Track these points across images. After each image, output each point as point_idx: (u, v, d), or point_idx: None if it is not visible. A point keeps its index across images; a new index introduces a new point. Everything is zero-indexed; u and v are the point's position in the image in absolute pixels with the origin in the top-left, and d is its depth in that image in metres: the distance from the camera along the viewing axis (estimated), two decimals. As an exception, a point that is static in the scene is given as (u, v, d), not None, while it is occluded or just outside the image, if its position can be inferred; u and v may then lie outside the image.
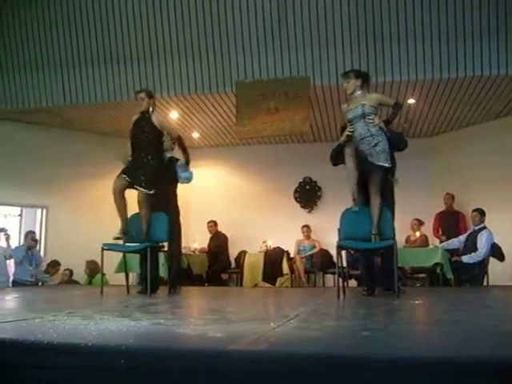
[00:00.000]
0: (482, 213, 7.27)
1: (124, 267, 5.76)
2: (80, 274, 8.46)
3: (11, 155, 8.45)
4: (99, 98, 7.78)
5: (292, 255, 8.98)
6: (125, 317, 3.11)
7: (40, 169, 8.57)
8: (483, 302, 4.81)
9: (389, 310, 3.88)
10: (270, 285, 8.42)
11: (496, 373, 1.71)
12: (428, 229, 8.59)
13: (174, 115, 8.43)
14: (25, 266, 7.86)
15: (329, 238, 8.01)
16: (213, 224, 9.45)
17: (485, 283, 7.02)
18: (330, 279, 8.90)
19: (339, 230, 4.86)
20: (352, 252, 6.35)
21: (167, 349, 2.06)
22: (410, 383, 1.74)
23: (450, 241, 7.63)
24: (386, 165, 4.70)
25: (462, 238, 7.47)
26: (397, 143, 4.97)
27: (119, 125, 8.17)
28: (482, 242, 7.02)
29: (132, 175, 5.13)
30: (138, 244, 5.29)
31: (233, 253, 9.39)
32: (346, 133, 4.83)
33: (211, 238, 9.39)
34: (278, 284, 8.48)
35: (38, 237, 8.42)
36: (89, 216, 8.77)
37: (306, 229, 9.24)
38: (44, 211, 9.00)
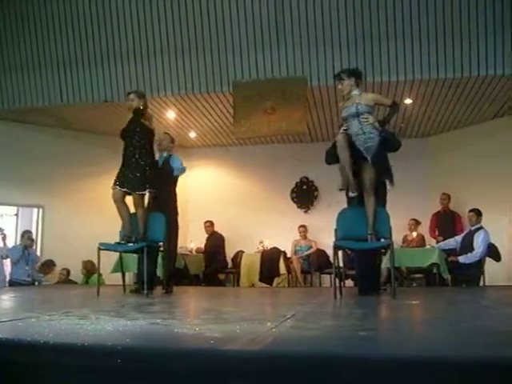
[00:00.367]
0: (478, 213, 7.28)
1: (121, 267, 5.76)
2: (77, 274, 8.44)
3: (7, 155, 8.43)
4: (96, 98, 7.77)
5: (289, 255, 9.00)
6: (121, 316, 3.11)
7: (36, 168, 8.54)
8: (479, 302, 4.82)
9: (386, 310, 3.88)
10: (266, 285, 8.43)
11: (492, 372, 1.72)
12: (425, 229, 8.60)
13: (170, 115, 8.42)
14: (21, 265, 7.84)
15: (325, 238, 8.02)
16: (209, 224, 9.45)
17: (481, 283, 7.03)
18: (326, 279, 8.91)
19: (336, 230, 4.86)
20: (349, 252, 6.36)
21: (164, 349, 2.06)
22: (406, 383, 1.74)
23: (447, 241, 7.64)
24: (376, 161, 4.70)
25: (459, 238, 7.49)
26: (391, 143, 4.97)
27: (116, 124, 8.10)
28: (479, 243, 7.03)
29: (122, 179, 5.16)
30: (133, 244, 5.29)
31: (230, 253, 9.39)
32: (341, 131, 4.84)
33: (208, 238, 9.38)
34: (274, 284, 8.49)
35: (34, 236, 8.40)
36: (85, 215, 8.75)
37: (303, 229, 9.25)
38: (40, 211, 8.98)
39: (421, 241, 8.24)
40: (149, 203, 5.76)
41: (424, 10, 6.63)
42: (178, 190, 5.98)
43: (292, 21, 7.02)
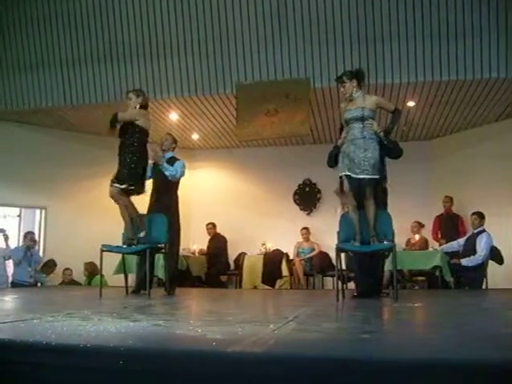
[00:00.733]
0: (481, 216, 7.27)
1: (123, 268, 5.77)
2: (79, 275, 8.45)
3: (10, 156, 8.44)
4: (99, 99, 7.79)
5: (291, 257, 8.98)
6: (124, 318, 3.10)
7: (39, 169, 8.56)
8: (482, 305, 4.81)
9: (388, 313, 3.88)
10: (269, 287, 8.42)
11: (496, 375, 1.71)
12: (428, 231, 8.58)
13: (173, 117, 8.44)
14: (24, 266, 7.86)
15: (328, 241, 8.02)
16: (211, 226, 9.45)
17: (484, 286, 7.02)
18: (329, 282, 8.89)
19: (338, 232, 4.86)
20: (351, 254, 6.35)
21: (166, 350, 2.06)
22: (409, 386, 1.74)
23: (450, 244, 7.63)
24: (376, 176, 4.70)
25: (462, 241, 7.47)
26: (393, 151, 4.96)
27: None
28: (481, 245, 7.02)
29: (114, 176, 5.20)
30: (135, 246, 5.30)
31: (232, 255, 9.40)
32: (342, 136, 4.84)
33: (210, 240, 9.39)
34: (277, 286, 8.48)
35: (36, 237, 8.41)
36: (88, 217, 8.76)
37: (306, 231, 9.24)
38: (43, 212, 8.99)
39: (424, 243, 8.22)
40: (149, 206, 5.78)
41: (428, 12, 6.63)
42: (180, 191, 5.99)
43: (295, 23, 7.03)
